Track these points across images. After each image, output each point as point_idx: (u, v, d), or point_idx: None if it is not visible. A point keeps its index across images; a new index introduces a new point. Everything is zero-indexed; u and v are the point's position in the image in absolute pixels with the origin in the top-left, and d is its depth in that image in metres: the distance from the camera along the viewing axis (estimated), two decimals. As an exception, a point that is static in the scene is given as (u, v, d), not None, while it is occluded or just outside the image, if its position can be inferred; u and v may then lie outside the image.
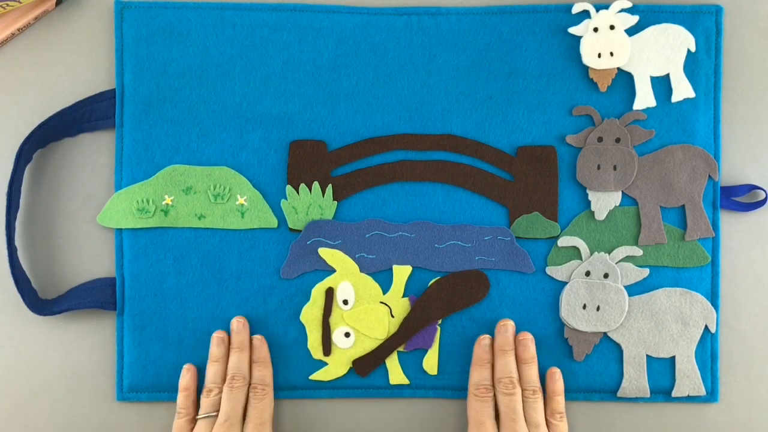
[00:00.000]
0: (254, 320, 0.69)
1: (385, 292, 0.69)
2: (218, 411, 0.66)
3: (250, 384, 0.67)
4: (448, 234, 0.69)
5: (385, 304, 0.69)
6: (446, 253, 0.69)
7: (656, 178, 0.69)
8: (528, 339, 0.68)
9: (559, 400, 0.67)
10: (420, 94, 0.70)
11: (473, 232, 0.69)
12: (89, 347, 0.70)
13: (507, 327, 0.68)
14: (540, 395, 0.66)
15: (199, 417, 0.66)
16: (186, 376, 0.68)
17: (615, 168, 0.69)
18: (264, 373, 0.68)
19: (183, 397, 0.68)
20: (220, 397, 0.66)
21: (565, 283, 0.69)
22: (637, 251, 0.69)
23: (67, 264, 0.71)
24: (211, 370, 0.67)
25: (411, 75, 0.70)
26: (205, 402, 0.66)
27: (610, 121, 0.69)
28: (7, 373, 0.70)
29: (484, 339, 0.68)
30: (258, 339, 0.68)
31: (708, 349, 0.70)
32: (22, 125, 0.70)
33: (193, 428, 0.66)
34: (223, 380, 0.67)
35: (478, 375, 0.67)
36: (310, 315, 0.69)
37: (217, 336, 0.68)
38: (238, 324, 0.68)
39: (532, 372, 0.67)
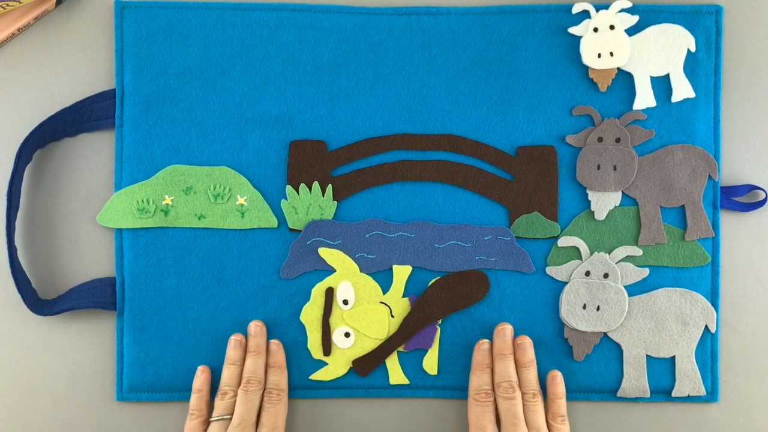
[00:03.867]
0: (254, 320, 0.69)
1: (385, 292, 0.69)
2: (232, 414, 0.66)
3: (265, 388, 0.67)
4: (448, 234, 0.69)
5: (385, 304, 0.69)
6: (446, 253, 0.69)
7: (656, 178, 0.69)
8: (526, 343, 0.68)
9: (561, 403, 0.67)
10: (420, 94, 0.70)
11: (473, 232, 0.69)
12: (89, 347, 0.70)
13: (505, 331, 0.68)
14: (540, 398, 0.66)
15: (212, 419, 0.66)
16: (200, 378, 0.68)
17: (615, 168, 0.69)
18: (279, 378, 0.68)
19: (196, 399, 0.67)
20: (235, 400, 0.66)
21: (565, 283, 0.69)
22: (637, 251, 0.69)
23: (67, 264, 0.71)
24: (227, 373, 0.67)
25: (411, 75, 0.70)
26: (220, 404, 0.66)
27: (610, 121, 0.69)
28: (7, 373, 0.70)
29: (483, 344, 0.68)
30: (275, 344, 0.68)
31: (708, 349, 0.70)
32: (22, 125, 0.70)
33: (205, 430, 0.66)
34: (239, 383, 0.67)
35: (478, 380, 0.67)
36: (310, 315, 0.69)
37: (234, 339, 0.68)
38: (255, 327, 0.68)
39: (532, 375, 0.67)
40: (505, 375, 0.66)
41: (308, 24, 0.69)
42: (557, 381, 0.67)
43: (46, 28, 0.71)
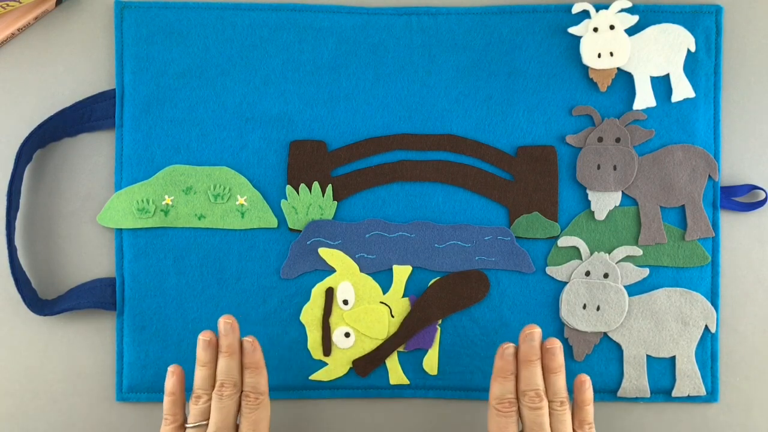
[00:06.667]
0: (254, 320, 0.69)
1: (385, 292, 0.69)
2: (209, 419, 0.60)
3: (242, 391, 0.61)
4: (448, 234, 0.69)
5: (385, 304, 0.69)
6: (446, 253, 0.69)
7: (656, 178, 0.69)
8: (556, 347, 0.62)
9: (589, 410, 0.62)
10: (420, 94, 0.70)
11: (473, 232, 0.69)
12: (89, 347, 0.70)
13: (533, 335, 0.61)
14: (568, 406, 0.61)
15: (188, 426, 0.60)
16: (171, 380, 0.61)
17: (615, 168, 0.69)
18: (256, 379, 0.61)
19: (169, 403, 0.61)
20: (210, 405, 0.60)
21: (565, 283, 0.69)
22: (637, 251, 0.69)
23: (67, 264, 0.70)
24: (199, 376, 0.61)
25: (411, 75, 0.70)
26: (194, 409, 0.60)
27: (610, 121, 0.69)
28: (7, 373, 0.70)
29: (508, 348, 0.62)
30: (249, 342, 0.61)
31: (708, 349, 0.70)
32: (22, 125, 0.70)
33: None
34: (213, 386, 0.61)
35: (501, 388, 0.61)
36: (310, 315, 0.69)
37: (202, 339, 0.61)
38: (225, 325, 0.61)
39: (560, 382, 0.61)
40: (532, 383, 0.60)
41: (308, 24, 0.69)
42: (586, 386, 0.62)
43: (46, 28, 0.71)
